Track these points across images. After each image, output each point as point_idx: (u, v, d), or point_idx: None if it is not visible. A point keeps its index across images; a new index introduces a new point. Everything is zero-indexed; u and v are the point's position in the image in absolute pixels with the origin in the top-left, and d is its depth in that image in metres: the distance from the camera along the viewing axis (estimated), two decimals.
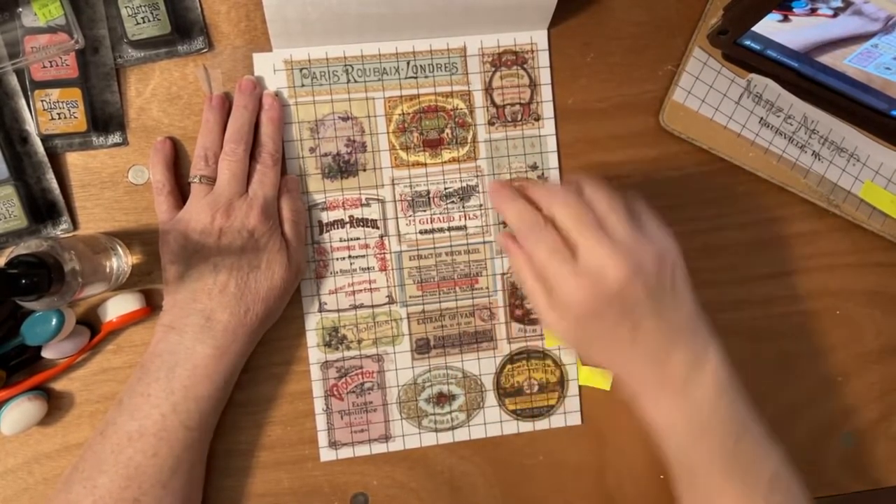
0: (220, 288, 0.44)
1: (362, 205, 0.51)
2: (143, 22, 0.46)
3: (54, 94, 0.46)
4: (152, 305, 0.48)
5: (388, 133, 0.51)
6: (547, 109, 0.52)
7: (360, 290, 0.51)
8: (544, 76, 0.52)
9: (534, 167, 0.52)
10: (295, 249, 0.48)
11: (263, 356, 0.50)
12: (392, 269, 0.51)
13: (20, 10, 0.44)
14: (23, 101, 0.46)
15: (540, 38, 0.52)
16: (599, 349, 0.43)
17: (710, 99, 0.52)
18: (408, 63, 0.51)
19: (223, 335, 0.44)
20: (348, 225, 0.51)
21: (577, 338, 0.43)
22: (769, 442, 0.44)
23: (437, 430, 0.52)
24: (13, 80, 0.46)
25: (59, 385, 0.48)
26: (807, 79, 0.51)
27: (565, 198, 0.41)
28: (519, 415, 0.53)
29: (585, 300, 0.40)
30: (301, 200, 0.50)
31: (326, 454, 0.51)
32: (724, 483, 0.42)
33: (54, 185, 0.47)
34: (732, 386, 0.43)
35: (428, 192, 0.51)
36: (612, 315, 0.40)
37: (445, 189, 0.52)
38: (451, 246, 0.52)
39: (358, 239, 0.51)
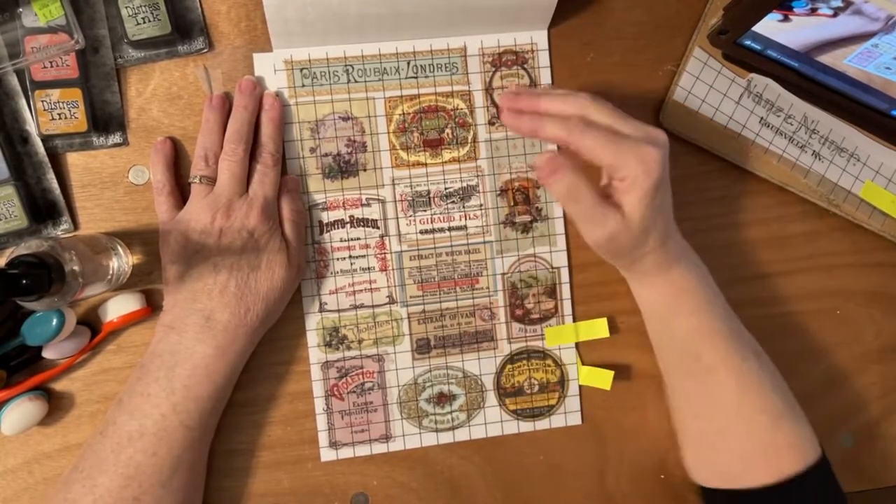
0: (220, 288, 0.44)
1: (363, 205, 0.51)
2: (144, 22, 0.46)
3: (55, 94, 0.46)
4: (153, 305, 0.48)
5: (388, 133, 0.51)
6: None
7: (361, 290, 0.51)
8: (544, 76, 0.52)
9: (534, 167, 0.52)
10: (295, 249, 0.48)
11: (263, 356, 0.50)
12: (392, 269, 0.51)
13: (20, 10, 0.44)
14: (23, 102, 0.46)
15: (540, 38, 0.52)
16: (658, 220, 0.44)
17: (710, 99, 0.52)
18: (408, 63, 0.51)
19: (223, 335, 0.44)
20: (349, 225, 0.51)
21: (646, 215, 0.43)
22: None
23: (437, 430, 0.52)
24: (13, 81, 0.46)
25: (59, 385, 0.48)
26: (807, 79, 0.51)
27: (592, 100, 0.43)
28: (519, 415, 0.53)
29: (657, 159, 0.41)
30: (301, 200, 0.50)
31: (327, 454, 0.51)
32: (725, 350, 0.47)
33: (55, 185, 0.47)
34: None
35: (428, 192, 0.51)
36: (666, 175, 0.43)
37: (446, 189, 0.52)
38: (451, 246, 0.52)
39: (358, 239, 0.51)
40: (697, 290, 0.47)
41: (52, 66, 0.46)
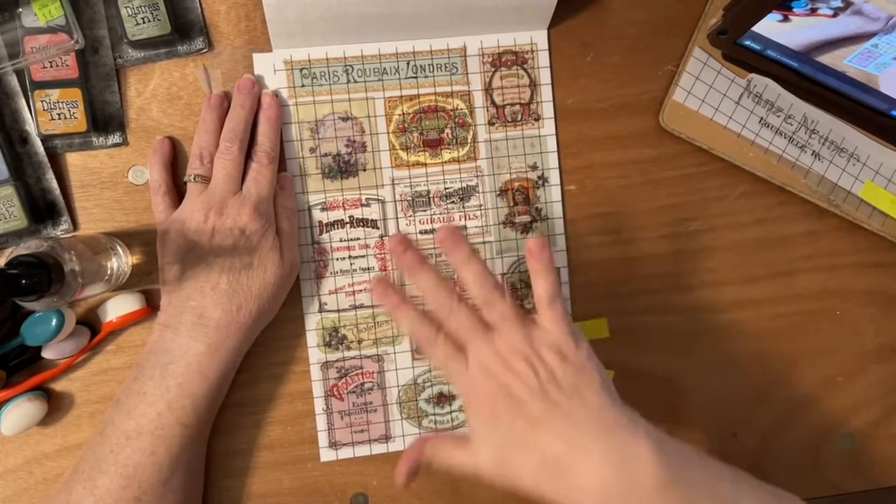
0: (212, 285, 0.44)
1: (362, 205, 0.51)
2: (143, 22, 0.46)
3: (54, 94, 0.46)
4: (152, 306, 0.48)
5: (388, 133, 0.51)
6: (547, 109, 0.52)
7: (361, 291, 0.51)
8: (544, 76, 0.52)
9: (534, 167, 0.52)
10: (288, 247, 0.48)
11: (263, 356, 0.50)
12: (392, 270, 0.51)
13: (20, 10, 0.44)
14: (23, 102, 0.46)
15: (540, 38, 0.52)
16: None
17: (710, 99, 0.52)
18: (408, 63, 0.51)
19: (215, 332, 0.44)
20: (348, 225, 0.51)
21: None
22: None
23: (437, 431, 0.52)
24: (13, 81, 0.46)
25: (59, 385, 0.48)
26: (807, 79, 0.51)
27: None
28: None
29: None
30: (295, 198, 0.50)
31: (326, 454, 0.51)
32: None
33: (54, 185, 0.47)
34: None
35: (428, 192, 0.51)
36: None
37: (445, 189, 0.52)
38: None
39: (358, 239, 0.51)
40: None
41: (51, 66, 0.46)
